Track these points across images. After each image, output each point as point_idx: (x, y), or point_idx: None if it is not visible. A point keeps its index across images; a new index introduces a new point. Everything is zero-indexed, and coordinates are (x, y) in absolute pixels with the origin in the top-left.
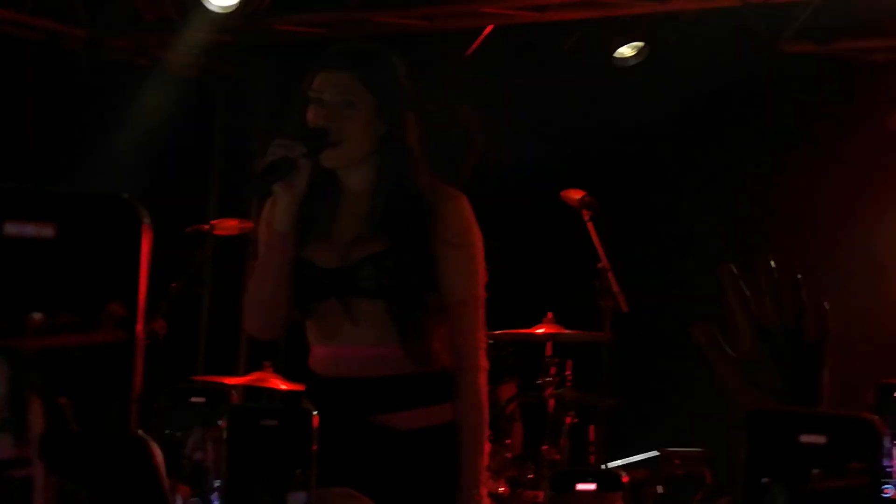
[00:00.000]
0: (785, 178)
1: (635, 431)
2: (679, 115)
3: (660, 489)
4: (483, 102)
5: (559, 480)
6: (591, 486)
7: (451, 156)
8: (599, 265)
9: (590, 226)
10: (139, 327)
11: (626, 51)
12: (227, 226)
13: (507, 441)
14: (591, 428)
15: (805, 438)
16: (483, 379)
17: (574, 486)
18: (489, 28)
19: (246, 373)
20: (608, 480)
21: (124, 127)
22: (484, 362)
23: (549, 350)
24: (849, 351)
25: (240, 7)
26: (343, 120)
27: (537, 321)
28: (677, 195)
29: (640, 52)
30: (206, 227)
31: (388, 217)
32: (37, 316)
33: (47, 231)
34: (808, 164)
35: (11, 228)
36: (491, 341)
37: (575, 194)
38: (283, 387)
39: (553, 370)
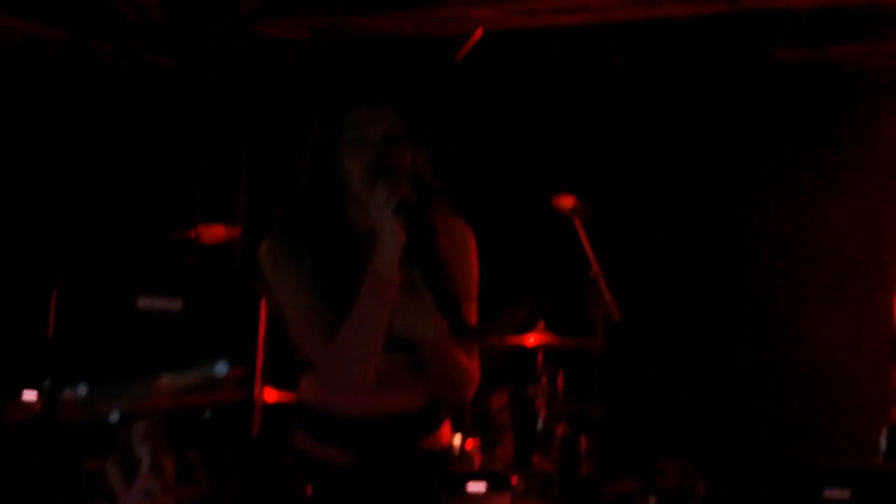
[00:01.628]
0: (778, 185)
1: (628, 441)
2: (671, 122)
3: (653, 501)
4: (472, 108)
5: (450, 481)
6: (481, 487)
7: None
8: (591, 273)
9: (581, 233)
10: (257, 389)
11: None
12: (213, 232)
13: (498, 450)
14: (583, 437)
15: (829, 493)
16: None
17: (464, 487)
18: (479, 32)
19: None
20: (497, 481)
21: (109, 131)
22: (474, 366)
23: (540, 359)
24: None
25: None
26: (392, 156)
27: (528, 330)
28: (669, 202)
29: None
30: (192, 233)
31: (424, 273)
32: (165, 380)
33: (175, 304)
34: (800, 170)
35: (144, 302)
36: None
37: (567, 201)
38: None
39: (544, 379)
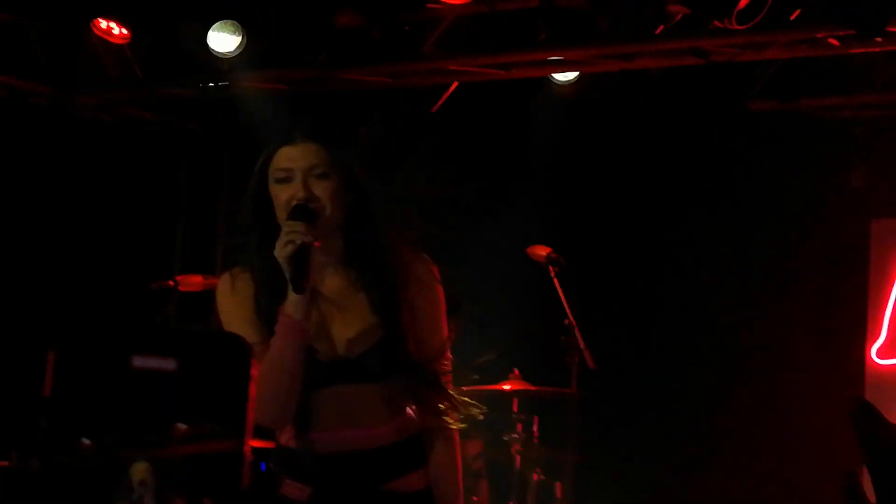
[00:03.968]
0: (751, 233)
1: (602, 488)
2: (645, 173)
3: None
4: (448, 158)
5: None
6: None
7: (413, 219)
8: (566, 321)
9: (556, 282)
10: (246, 447)
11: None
12: (192, 282)
13: (474, 498)
14: (558, 485)
15: None
16: (456, 437)
17: None
18: (454, 85)
19: None
20: None
21: (91, 183)
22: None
23: (515, 406)
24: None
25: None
26: (318, 188)
27: (503, 377)
28: (643, 252)
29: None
30: (171, 282)
31: (372, 301)
32: (182, 426)
33: (169, 364)
34: (774, 221)
35: (138, 361)
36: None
37: (541, 251)
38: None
39: (520, 426)
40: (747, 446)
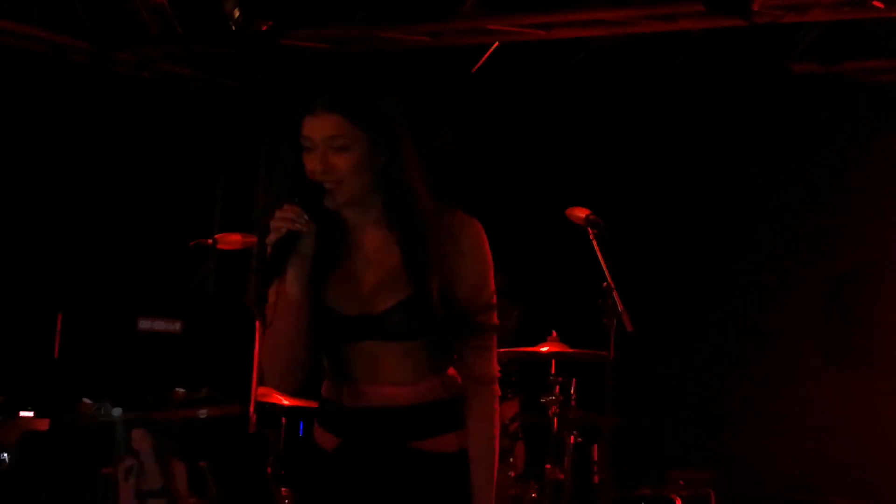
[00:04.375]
0: (791, 198)
1: (639, 451)
2: (685, 134)
3: None
4: (488, 119)
5: None
6: None
7: (451, 175)
8: (604, 284)
9: (594, 244)
10: (251, 409)
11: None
12: (231, 240)
13: (510, 460)
14: (595, 447)
15: None
16: (496, 405)
17: None
18: (495, 45)
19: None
20: None
21: (130, 140)
22: (497, 388)
23: (553, 368)
24: None
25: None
26: (337, 161)
27: (541, 339)
28: (683, 214)
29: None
30: (210, 241)
31: (405, 258)
32: (181, 391)
33: (175, 327)
34: (813, 183)
35: (144, 324)
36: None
37: (580, 212)
38: (286, 402)
39: (557, 389)
40: (784, 408)
